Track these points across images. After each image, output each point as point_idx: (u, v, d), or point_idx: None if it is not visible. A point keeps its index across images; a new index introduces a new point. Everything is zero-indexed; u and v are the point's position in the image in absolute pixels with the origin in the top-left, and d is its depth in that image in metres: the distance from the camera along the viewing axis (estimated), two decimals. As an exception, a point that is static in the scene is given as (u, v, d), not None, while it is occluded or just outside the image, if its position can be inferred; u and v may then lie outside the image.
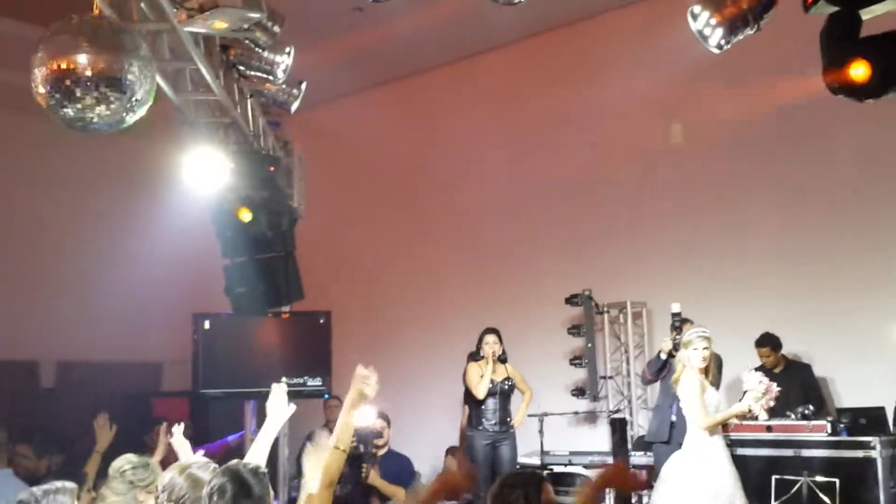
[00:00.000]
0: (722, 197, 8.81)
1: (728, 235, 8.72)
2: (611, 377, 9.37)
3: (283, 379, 7.62)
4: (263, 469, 3.30)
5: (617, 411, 9.08)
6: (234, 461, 3.30)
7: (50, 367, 10.87)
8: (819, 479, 6.92)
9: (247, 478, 3.14)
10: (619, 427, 8.11)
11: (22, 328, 9.94)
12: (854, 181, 8.07)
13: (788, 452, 7.22)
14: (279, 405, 3.99)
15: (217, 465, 3.39)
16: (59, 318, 10.11)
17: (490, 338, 8.08)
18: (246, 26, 4.91)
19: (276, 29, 5.26)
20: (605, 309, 9.35)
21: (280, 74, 5.88)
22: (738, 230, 8.65)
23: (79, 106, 4.06)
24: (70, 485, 3.73)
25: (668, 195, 9.19)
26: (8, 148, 10.10)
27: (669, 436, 7.43)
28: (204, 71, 5.53)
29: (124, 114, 4.26)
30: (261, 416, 7.58)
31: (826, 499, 6.86)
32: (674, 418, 7.34)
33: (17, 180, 10.33)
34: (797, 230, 8.35)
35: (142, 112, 4.37)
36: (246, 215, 6.87)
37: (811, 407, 7.40)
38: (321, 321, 7.93)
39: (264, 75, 5.93)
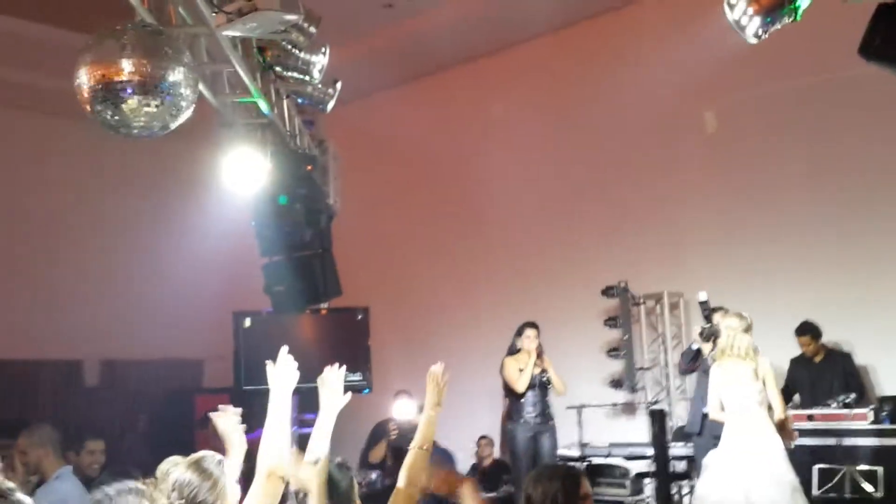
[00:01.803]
0: (758, 184, 8.75)
1: (765, 223, 8.67)
2: (648, 368, 9.37)
3: (326, 368, 7.81)
4: (349, 464, 3.36)
5: (655, 402, 9.07)
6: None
7: (94, 365, 11.03)
8: (862, 467, 6.91)
9: (333, 473, 3.20)
10: (658, 418, 8.10)
11: (66, 327, 10.11)
12: (894, 165, 7.98)
13: (830, 441, 7.21)
14: (335, 393, 3.81)
15: (221, 457, 3.43)
16: (103, 317, 10.28)
17: (531, 332, 8.13)
18: (283, 28, 4.96)
19: (313, 29, 5.31)
20: (642, 300, 9.34)
21: (316, 74, 5.93)
22: (776, 217, 8.60)
23: (123, 111, 4.13)
24: (141, 486, 3.81)
25: (703, 184, 9.16)
26: (54, 152, 10.29)
27: (702, 427, 7.43)
28: (242, 73, 5.59)
29: (168, 118, 4.32)
30: (300, 411, 7.70)
31: (869, 487, 6.84)
32: (706, 410, 7.33)
33: (61, 184, 10.53)
34: (835, 216, 8.28)
35: (186, 116, 4.43)
36: (292, 218, 6.91)
37: (852, 395, 7.38)
38: (359, 317, 7.99)
39: (301, 76, 5.97)
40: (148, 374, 10.64)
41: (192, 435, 9.51)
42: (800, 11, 4.51)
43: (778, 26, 4.66)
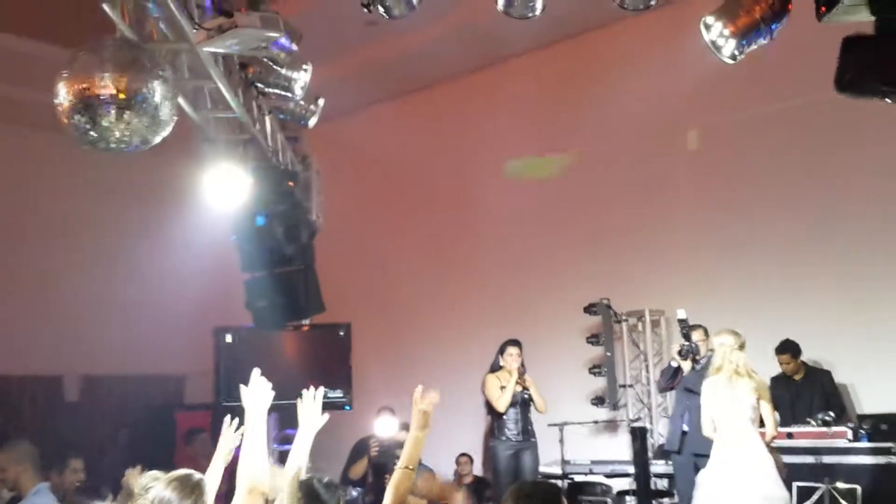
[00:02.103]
0: (740, 203, 8.81)
1: (747, 242, 8.71)
2: (630, 385, 9.38)
3: (304, 391, 7.81)
4: (336, 482, 3.38)
5: (637, 420, 9.08)
6: (309, 475, 3.41)
7: (74, 380, 11.00)
8: (840, 485, 6.92)
9: (320, 492, 3.22)
10: (639, 435, 8.11)
11: (45, 343, 10.07)
12: (879, 186, 8.03)
13: (810, 459, 7.24)
14: (313, 413, 3.89)
15: (201, 475, 3.45)
16: (83, 332, 10.23)
17: (513, 350, 8.14)
18: (264, 45, 4.97)
19: (294, 47, 5.33)
20: (624, 317, 9.37)
21: (298, 91, 5.96)
22: (757, 236, 8.64)
23: (102, 126, 4.13)
24: None
25: (686, 202, 9.21)
26: (32, 163, 10.27)
27: (681, 445, 7.45)
28: (223, 89, 5.61)
29: (147, 133, 4.33)
30: (281, 428, 7.67)
31: (848, 506, 6.85)
32: (685, 427, 7.35)
33: (41, 194, 10.52)
34: (817, 235, 8.33)
35: (165, 132, 4.44)
36: (274, 234, 6.93)
37: (832, 413, 7.40)
38: (341, 333, 8.00)
39: (283, 92, 6.00)
40: (129, 390, 10.59)
41: (174, 451, 9.45)
42: (774, 33, 4.57)
43: (754, 47, 4.71)
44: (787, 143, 8.54)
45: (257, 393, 3.60)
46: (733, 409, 6.39)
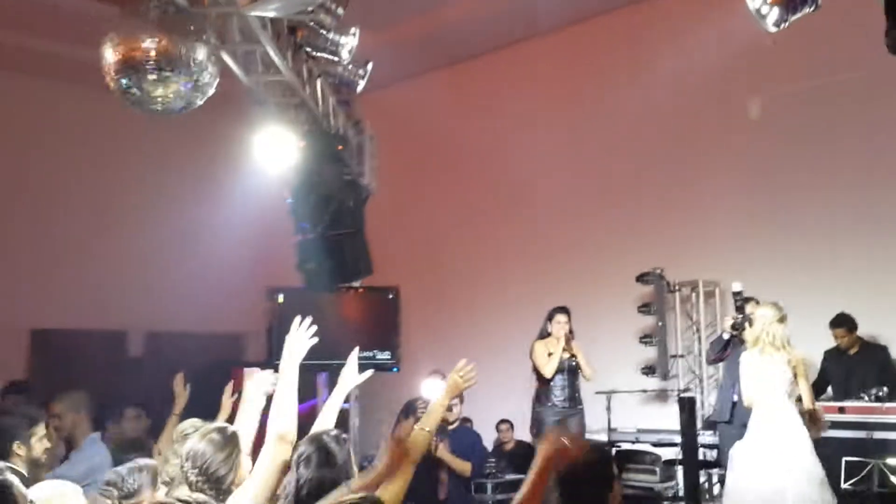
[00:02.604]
0: (797, 174, 8.63)
1: (804, 213, 8.57)
2: (682, 356, 9.32)
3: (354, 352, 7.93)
4: (345, 435, 3.48)
5: (686, 390, 9.02)
6: (320, 430, 3.54)
7: (138, 336, 11.37)
8: (891, 461, 6.79)
9: (330, 445, 3.32)
10: (687, 406, 8.06)
11: (111, 299, 10.44)
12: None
13: (861, 434, 7.12)
14: (350, 372, 4.10)
15: (235, 429, 3.56)
16: (147, 289, 10.57)
17: (561, 317, 8.10)
18: (309, 9, 5.05)
19: (340, 11, 5.39)
20: (677, 287, 9.29)
21: (345, 55, 6.01)
22: (814, 207, 8.50)
23: (145, 88, 4.28)
24: (152, 462, 3.96)
25: (741, 172, 9.06)
26: (99, 125, 10.53)
27: (731, 415, 7.39)
28: (272, 53, 5.70)
29: (190, 95, 4.46)
30: (332, 388, 7.82)
31: (897, 481, 6.74)
32: (735, 398, 7.28)
33: (105, 158, 10.85)
34: (875, 206, 8.16)
35: (208, 94, 4.56)
36: (325, 197, 7.03)
37: (885, 389, 7.26)
38: (390, 296, 8.08)
39: (330, 56, 6.07)
40: (189, 346, 10.85)
41: (232, 408, 9.70)
42: (819, 1, 4.44)
43: (798, 16, 4.60)
44: (843, 117, 8.34)
45: (294, 341, 3.75)
46: (769, 382, 6.33)
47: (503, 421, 9.29)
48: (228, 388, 5.51)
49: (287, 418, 3.55)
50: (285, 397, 3.63)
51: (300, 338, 3.80)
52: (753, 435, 6.38)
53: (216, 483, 3.32)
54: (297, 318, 3.86)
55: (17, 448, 4.59)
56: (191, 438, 3.49)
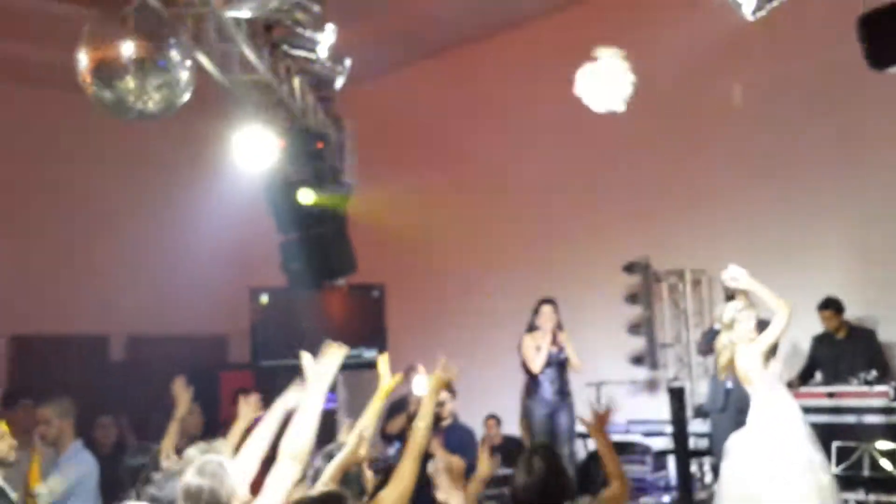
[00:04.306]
0: (783, 161, 8.60)
1: (789, 200, 8.53)
2: (670, 345, 9.30)
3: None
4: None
5: (675, 379, 9.01)
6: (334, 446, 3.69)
7: (120, 340, 11.25)
8: (881, 445, 6.80)
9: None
10: (677, 396, 8.04)
11: (92, 303, 10.31)
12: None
13: (850, 419, 7.12)
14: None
15: (221, 459, 3.47)
16: (127, 293, 10.44)
17: (547, 308, 8.04)
18: (285, 7, 4.96)
19: (316, 8, 5.31)
20: (664, 276, 9.26)
21: (322, 52, 5.94)
22: (800, 194, 8.46)
23: (121, 92, 4.17)
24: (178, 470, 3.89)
25: (726, 159, 9.02)
26: (75, 128, 10.37)
27: (725, 403, 7.36)
28: (248, 52, 5.61)
29: (168, 99, 4.35)
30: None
31: (888, 465, 6.74)
32: (729, 385, 7.25)
33: (83, 161, 10.68)
34: (861, 193, 8.14)
35: (185, 97, 4.46)
36: (306, 195, 6.97)
37: (874, 372, 7.26)
38: (375, 293, 8.03)
39: (308, 53, 5.98)
40: (173, 350, 10.75)
41: (218, 411, 9.62)
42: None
43: (775, 3, 4.55)
44: (833, 99, 8.29)
45: (329, 362, 3.63)
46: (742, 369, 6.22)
47: (490, 416, 9.25)
48: (245, 397, 5.47)
49: (303, 440, 3.50)
50: (307, 419, 3.55)
51: (334, 359, 3.67)
52: (749, 428, 6.25)
53: None
54: (328, 342, 3.69)
55: None
56: (186, 473, 3.40)
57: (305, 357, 3.68)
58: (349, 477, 3.76)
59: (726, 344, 6.31)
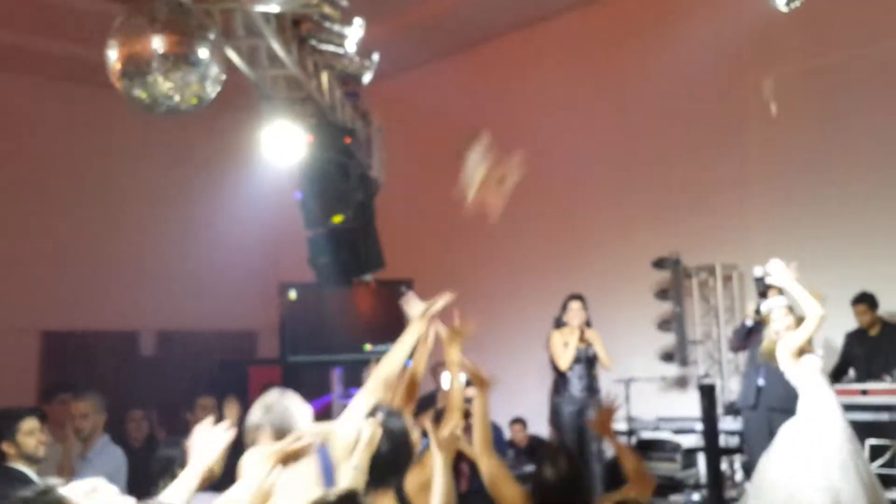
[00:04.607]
0: (814, 156, 8.50)
1: (821, 195, 8.43)
2: (700, 342, 9.20)
3: (368, 346, 7.85)
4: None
5: (706, 376, 8.91)
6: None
7: (150, 336, 11.34)
8: (916, 443, 6.71)
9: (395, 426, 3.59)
10: (707, 393, 7.95)
11: (123, 299, 10.40)
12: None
13: (884, 417, 7.02)
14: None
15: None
16: (157, 288, 10.53)
17: (575, 305, 7.97)
18: (314, 2, 4.95)
19: (344, 3, 5.29)
20: (694, 272, 9.17)
21: (350, 47, 5.92)
22: (832, 189, 8.35)
23: (151, 88, 4.18)
24: None
25: (757, 155, 8.92)
26: (106, 125, 10.48)
27: (756, 400, 7.26)
28: (276, 47, 5.61)
29: (199, 94, 4.36)
30: (347, 382, 7.77)
31: (923, 464, 6.64)
32: (761, 382, 7.16)
33: (114, 158, 10.80)
34: (892, 187, 7.99)
35: (213, 93, 4.46)
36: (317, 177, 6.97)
37: (909, 370, 7.16)
38: (403, 289, 7.98)
39: (336, 48, 5.97)
40: (202, 345, 10.84)
41: (248, 406, 9.65)
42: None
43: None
44: (867, 95, 8.19)
45: (206, 440, 3.17)
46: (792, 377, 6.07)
47: (516, 420, 9.20)
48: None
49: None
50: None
51: (211, 435, 3.18)
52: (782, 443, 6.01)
53: None
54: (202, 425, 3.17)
55: (7, 447, 4.59)
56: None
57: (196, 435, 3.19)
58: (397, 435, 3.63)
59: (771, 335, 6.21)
